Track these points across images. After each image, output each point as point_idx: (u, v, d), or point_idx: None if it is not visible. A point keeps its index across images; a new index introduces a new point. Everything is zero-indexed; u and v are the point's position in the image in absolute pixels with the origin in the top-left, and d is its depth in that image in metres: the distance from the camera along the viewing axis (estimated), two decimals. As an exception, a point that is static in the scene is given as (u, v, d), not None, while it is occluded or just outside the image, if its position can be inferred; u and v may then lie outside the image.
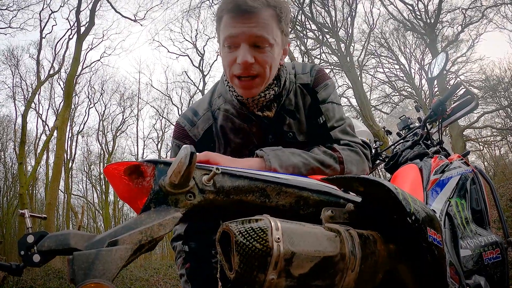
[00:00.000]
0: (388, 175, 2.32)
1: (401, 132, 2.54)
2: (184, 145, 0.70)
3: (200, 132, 1.34)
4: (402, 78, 19.71)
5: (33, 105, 20.83)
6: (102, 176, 24.61)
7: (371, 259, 0.78)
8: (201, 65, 21.76)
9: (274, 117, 1.31)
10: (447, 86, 14.30)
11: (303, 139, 1.33)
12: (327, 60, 17.15)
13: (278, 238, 0.64)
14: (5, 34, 18.58)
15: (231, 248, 0.66)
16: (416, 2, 16.37)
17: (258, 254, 0.63)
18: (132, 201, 0.81)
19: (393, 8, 17.36)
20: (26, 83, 22.17)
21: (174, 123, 1.43)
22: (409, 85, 19.41)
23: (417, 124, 2.38)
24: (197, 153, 0.82)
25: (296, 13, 14.59)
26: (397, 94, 19.58)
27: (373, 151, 2.63)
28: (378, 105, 19.52)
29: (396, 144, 2.41)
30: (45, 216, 0.95)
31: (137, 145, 25.33)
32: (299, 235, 0.68)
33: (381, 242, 0.83)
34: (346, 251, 0.73)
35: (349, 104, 18.37)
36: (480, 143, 18.62)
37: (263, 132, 1.31)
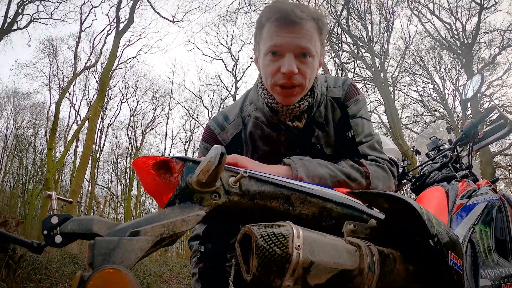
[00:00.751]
0: (413, 195, 2.28)
1: (430, 153, 2.49)
2: (214, 145, 0.71)
3: (229, 137, 1.35)
4: (435, 98, 19.29)
5: (67, 94, 21.53)
6: (127, 170, 25.11)
7: (389, 277, 0.77)
8: (234, 70, 22.02)
9: (304, 128, 1.31)
10: (481, 109, 13.92)
11: (330, 152, 1.33)
12: (360, 74, 17.01)
13: (299, 246, 0.64)
14: (46, 25, 19.21)
15: (251, 250, 0.66)
16: (454, 21, 16.08)
17: (277, 259, 0.63)
18: (158, 195, 0.83)
19: (430, 26, 17.08)
20: (62, 73, 22.95)
21: (204, 126, 1.45)
22: (441, 106, 18.97)
23: (447, 146, 2.33)
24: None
25: (332, 25, 14.56)
26: (429, 114, 19.17)
27: (400, 170, 2.59)
28: (409, 124, 19.16)
29: (424, 165, 2.37)
30: (71, 200, 0.99)
31: (165, 143, 25.69)
32: (320, 245, 0.68)
33: (400, 261, 0.82)
34: (364, 267, 0.73)
35: (380, 121, 18.13)
36: (511, 171, 17.99)
37: (291, 142, 1.32)
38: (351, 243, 0.76)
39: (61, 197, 0.83)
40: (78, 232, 0.71)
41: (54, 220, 0.73)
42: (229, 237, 1.32)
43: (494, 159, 14.19)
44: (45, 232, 0.73)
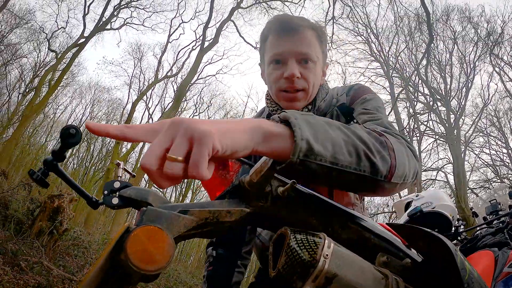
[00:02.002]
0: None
1: (488, 216, 2.39)
2: None
3: None
4: (507, 164, 18.03)
5: (144, 97, 22.92)
6: (185, 180, 25.77)
7: (411, 316, 0.78)
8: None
9: None
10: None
11: None
12: (433, 128, 16.40)
13: (327, 255, 0.68)
14: (137, 30, 20.93)
15: (282, 249, 0.71)
16: (536, 83, 15.07)
17: (304, 262, 0.68)
18: (212, 189, 0.91)
19: (511, 86, 16.14)
20: (144, 77, 24.62)
21: None
22: (512, 173, 17.69)
23: (506, 211, 2.22)
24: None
25: (410, 73, 14.29)
26: (499, 180, 17.90)
27: (453, 229, 2.51)
28: (475, 188, 18.01)
29: (479, 227, 2.28)
30: (135, 174, 1.10)
31: (228, 163, 26.19)
32: (348, 261, 0.72)
33: (426, 303, 0.83)
34: (388, 297, 0.75)
35: (446, 180, 17.24)
36: None
37: None
38: (379, 271, 0.79)
39: (127, 169, 0.94)
40: (134, 199, 0.78)
41: (116, 184, 0.83)
42: (241, 245, 1.39)
43: None
44: (105, 192, 0.83)
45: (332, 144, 0.77)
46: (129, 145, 23.52)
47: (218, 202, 0.80)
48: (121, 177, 0.88)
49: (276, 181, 0.86)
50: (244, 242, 1.40)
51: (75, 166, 27.00)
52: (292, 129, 0.72)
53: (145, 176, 21.65)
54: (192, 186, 24.82)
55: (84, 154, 26.99)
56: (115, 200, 0.82)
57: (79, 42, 18.25)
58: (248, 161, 0.88)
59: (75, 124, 0.85)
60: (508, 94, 16.66)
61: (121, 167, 0.91)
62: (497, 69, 15.99)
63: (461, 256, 0.82)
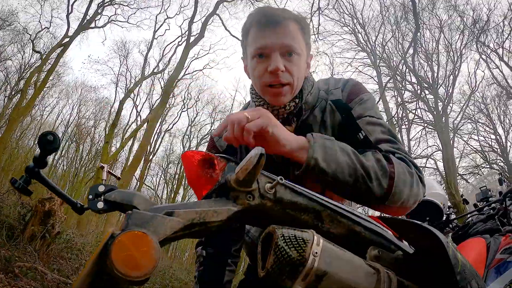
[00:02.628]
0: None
1: (478, 203, 2.41)
2: (256, 146, 0.77)
3: (226, 142, 1.39)
4: (496, 150, 18.27)
5: (131, 95, 22.76)
6: (177, 176, 25.85)
7: (405, 309, 0.77)
8: (294, 95, 22.07)
9: (294, 133, 1.26)
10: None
11: None
12: (421, 116, 16.50)
13: (316, 253, 0.67)
14: (122, 27, 20.73)
15: (270, 248, 0.70)
16: (524, 69, 15.25)
17: (293, 261, 0.67)
18: (198, 188, 0.89)
19: (498, 73, 16.32)
20: (130, 74, 24.44)
21: None
22: (502, 159, 17.90)
23: (496, 198, 2.24)
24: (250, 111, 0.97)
25: (398, 63, 14.35)
26: (488, 166, 18.13)
27: (444, 217, 2.53)
28: (465, 174, 18.22)
29: (470, 215, 2.30)
30: (120, 176, 1.08)
31: (217, 157, 26.12)
32: (337, 258, 0.71)
33: (419, 296, 0.82)
34: (380, 292, 0.74)
35: (435, 167, 17.40)
36: None
37: None
38: (370, 265, 0.78)
39: (111, 172, 0.92)
40: (119, 202, 0.78)
41: (101, 188, 0.82)
42: (231, 244, 1.38)
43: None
44: (90, 196, 0.82)
45: (336, 165, 1.03)
46: (118, 144, 23.44)
47: (204, 201, 0.79)
48: (105, 180, 0.87)
49: (263, 177, 0.85)
50: (234, 240, 1.39)
51: (64, 167, 26.84)
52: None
53: (136, 175, 21.54)
54: (183, 182, 24.83)
55: (74, 155, 26.82)
56: (100, 205, 0.80)
57: (63, 42, 18.03)
58: (234, 159, 0.87)
59: (54, 131, 0.84)
60: (495, 81, 16.87)
61: (106, 170, 0.89)
62: (483, 56, 16.17)
63: (453, 248, 0.82)
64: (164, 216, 0.69)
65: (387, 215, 0.98)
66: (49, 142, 0.81)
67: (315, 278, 0.67)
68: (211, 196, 0.82)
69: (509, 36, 15.23)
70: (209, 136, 1.51)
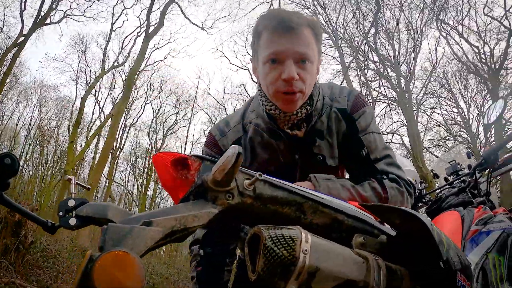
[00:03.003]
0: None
1: (449, 177, 2.46)
2: (232, 145, 0.73)
3: (229, 142, 1.37)
4: (459, 122, 18.95)
5: (93, 91, 22.05)
6: (145, 170, 25.45)
7: (395, 294, 0.77)
8: (259, 81, 22.01)
9: (304, 137, 1.32)
10: (504, 136, 13.60)
11: (333, 164, 1.34)
12: (385, 94, 16.86)
13: (306, 250, 0.65)
14: (78, 22, 19.89)
15: (258, 250, 0.67)
16: (482, 45, 15.81)
17: (283, 261, 0.64)
18: (174, 191, 0.85)
19: (458, 49, 16.85)
20: (90, 70, 23.55)
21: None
22: (465, 131, 18.62)
23: (466, 171, 2.30)
24: None
25: (360, 43, 14.53)
26: (452, 138, 18.83)
27: (417, 192, 2.57)
28: (430, 147, 18.83)
29: (441, 189, 2.34)
30: (89, 187, 1.02)
31: (185, 148, 25.90)
32: (327, 252, 0.69)
33: (408, 279, 0.82)
34: (370, 280, 0.73)
35: (401, 142, 17.88)
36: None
37: (291, 151, 1.33)
38: (359, 255, 0.77)
39: (80, 183, 0.86)
40: (92, 217, 0.73)
41: (71, 203, 0.76)
42: (229, 242, 1.34)
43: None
44: (60, 213, 0.76)
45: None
46: (83, 142, 22.78)
47: (182, 205, 0.75)
48: (74, 193, 0.80)
49: (241, 174, 0.81)
50: (231, 239, 1.34)
51: (30, 172, 25.82)
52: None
53: (105, 173, 21.12)
54: (153, 176, 24.49)
55: (39, 159, 25.83)
56: (72, 221, 0.74)
57: (18, 41, 17.16)
58: (209, 158, 0.83)
59: (11, 152, 0.76)
60: (455, 57, 17.28)
61: (73, 182, 0.83)
62: (443, 33, 16.55)
63: (437, 230, 0.81)
64: (142, 227, 0.65)
65: (368, 203, 0.97)
66: (6, 165, 0.74)
67: (308, 276, 0.66)
68: (189, 198, 0.78)
69: (468, 14, 15.70)
70: (208, 132, 1.46)
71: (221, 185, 0.76)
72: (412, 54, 15.87)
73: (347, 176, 1.46)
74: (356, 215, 0.93)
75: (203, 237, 1.36)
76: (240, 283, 1.50)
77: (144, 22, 18.11)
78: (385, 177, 1.26)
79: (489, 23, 15.54)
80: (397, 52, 15.79)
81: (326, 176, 1.21)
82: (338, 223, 0.91)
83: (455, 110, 19.16)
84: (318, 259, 0.66)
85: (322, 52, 1.40)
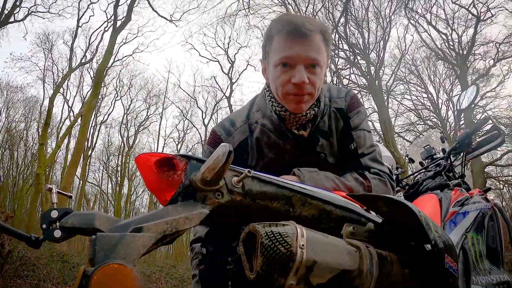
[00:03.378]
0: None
1: (424, 161, 2.51)
2: (222, 143, 0.72)
3: (236, 142, 1.38)
4: (428, 107, 19.44)
5: (61, 90, 21.34)
6: (119, 168, 24.99)
7: (387, 279, 0.78)
8: (230, 72, 21.95)
9: (308, 137, 1.36)
10: (474, 120, 14.06)
11: (333, 161, 1.39)
12: (355, 81, 17.06)
13: (303, 245, 0.65)
14: (43, 18, 19.10)
15: (254, 249, 0.67)
16: (450, 32, 16.24)
17: (282, 258, 0.64)
18: (160, 192, 0.83)
19: (426, 36, 17.21)
20: (57, 68, 22.76)
21: (210, 130, 1.47)
22: (435, 115, 19.12)
23: (440, 155, 2.35)
24: None
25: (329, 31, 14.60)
26: (422, 123, 19.30)
27: (394, 177, 2.61)
28: (401, 132, 19.26)
29: (417, 173, 2.40)
30: (71, 195, 0.98)
31: (158, 143, 25.56)
32: (322, 245, 0.69)
33: (397, 264, 0.83)
34: (364, 268, 0.74)
35: (373, 128, 18.18)
36: (501, 182, 18.14)
37: (296, 150, 1.36)
38: (351, 244, 0.78)
39: (61, 191, 0.83)
40: (79, 227, 0.70)
41: (54, 214, 0.72)
42: (231, 240, 1.33)
43: (485, 170, 14.32)
44: (44, 226, 0.71)
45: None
46: (53, 143, 22.08)
47: (171, 208, 0.73)
48: (56, 203, 0.77)
49: (229, 171, 0.81)
50: (233, 236, 1.33)
51: (1, 178, 24.84)
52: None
53: (78, 173, 20.61)
54: (128, 173, 24.11)
55: (9, 163, 24.88)
56: (57, 233, 0.70)
57: (-20, 43, 16.41)
58: (196, 157, 0.81)
59: None
60: (424, 44, 17.63)
61: (54, 191, 0.79)
62: (412, 21, 16.86)
63: (424, 215, 0.83)
64: (133, 235, 0.63)
65: (355, 193, 0.99)
66: None
67: (306, 270, 0.66)
68: (177, 200, 0.77)
69: (437, 1, 16.02)
70: (211, 130, 1.45)
71: (210, 184, 0.75)
72: (382, 42, 16.10)
73: None
74: (343, 205, 0.94)
75: (205, 235, 1.36)
76: (239, 279, 1.50)
77: (111, 17, 17.60)
78: (366, 171, 1.35)
79: (457, 11, 15.95)
80: (366, 40, 15.96)
81: (309, 168, 1.26)
82: (327, 214, 0.92)
83: (425, 95, 19.62)
84: (314, 252, 0.67)
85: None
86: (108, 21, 18.89)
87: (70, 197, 0.93)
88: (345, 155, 1.39)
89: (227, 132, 1.40)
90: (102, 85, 19.31)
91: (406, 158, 2.93)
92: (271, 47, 1.28)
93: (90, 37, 20.80)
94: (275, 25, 1.28)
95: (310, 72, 1.24)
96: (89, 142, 23.25)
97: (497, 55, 16.00)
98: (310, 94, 1.26)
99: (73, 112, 23.09)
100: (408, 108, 19.78)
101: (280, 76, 1.26)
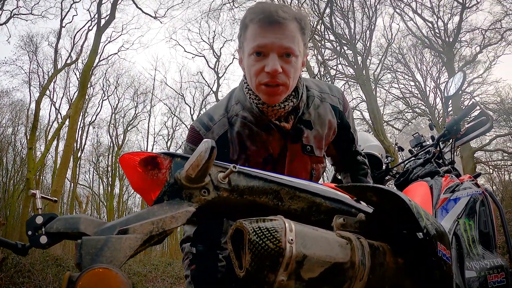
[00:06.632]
0: (397, 191, 2.30)
1: (413, 149, 2.52)
2: (204, 139, 0.70)
3: (215, 137, 1.35)
4: (416, 95, 19.56)
5: (47, 92, 21.03)
6: (109, 168, 24.80)
7: (380, 270, 0.78)
8: (216, 66, 21.79)
9: (292, 129, 1.33)
10: (461, 106, 14.17)
11: (319, 154, 1.40)
12: (343, 71, 17.07)
13: (291, 240, 0.64)
14: (26, 20, 18.82)
15: (243, 246, 0.65)
16: (436, 20, 16.29)
17: (271, 254, 0.63)
18: (145, 192, 0.81)
19: (412, 24, 17.29)
20: (42, 70, 22.37)
21: (189, 126, 1.45)
22: (423, 103, 19.25)
23: (430, 142, 2.36)
24: None
25: (315, 23, 14.60)
26: (410, 111, 19.43)
27: (384, 166, 2.62)
28: (390, 120, 19.36)
29: (407, 161, 2.40)
30: (56, 199, 0.96)
31: (147, 141, 25.33)
32: (312, 238, 0.68)
33: (390, 254, 0.83)
34: (356, 260, 0.73)
35: (362, 117, 18.27)
36: (490, 166, 18.37)
37: (280, 142, 1.34)
38: (342, 237, 0.77)
39: (45, 196, 0.81)
40: (64, 232, 0.68)
41: (39, 220, 0.70)
42: (220, 237, 1.31)
43: (474, 155, 14.47)
44: (29, 232, 0.70)
45: None
46: (42, 147, 21.81)
47: (157, 207, 0.71)
48: (41, 208, 0.75)
49: (214, 168, 0.79)
50: (222, 233, 1.32)
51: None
52: None
53: (68, 176, 20.41)
54: (118, 173, 23.90)
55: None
56: (43, 239, 0.68)
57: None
58: (180, 154, 0.79)
59: None
60: (410, 32, 17.67)
61: (38, 196, 0.77)
62: (398, 10, 16.92)
63: (415, 204, 0.82)
64: (118, 237, 0.62)
65: (345, 184, 0.98)
66: None
67: (296, 265, 0.65)
68: (163, 199, 0.75)
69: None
70: (190, 127, 1.42)
71: (195, 181, 0.73)
72: (368, 32, 16.12)
73: (328, 163, 1.62)
74: (333, 196, 0.94)
75: (194, 234, 1.34)
76: (232, 276, 1.49)
77: (94, 15, 17.35)
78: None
79: (442, -1, 16.01)
80: (352, 31, 15.98)
81: None
82: (316, 206, 0.91)
83: (412, 83, 19.74)
84: (304, 246, 0.65)
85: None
86: (92, 20, 18.62)
87: (55, 201, 0.91)
88: (346, 154, 1.60)
89: (205, 127, 1.37)
90: (89, 85, 19.10)
91: (396, 146, 2.93)
92: (246, 37, 1.25)
93: (74, 37, 20.48)
94: (249, 14, 1.24)
95: (284, 61, 1.20)
96: (78, 143, 23.01)
97: (483, 42, 16.15)
98: (284, 85, 1.22)
99: (60, 114, 22.80)
100: (396, 97, 19.90)
101: (254, 65, 1.22)
